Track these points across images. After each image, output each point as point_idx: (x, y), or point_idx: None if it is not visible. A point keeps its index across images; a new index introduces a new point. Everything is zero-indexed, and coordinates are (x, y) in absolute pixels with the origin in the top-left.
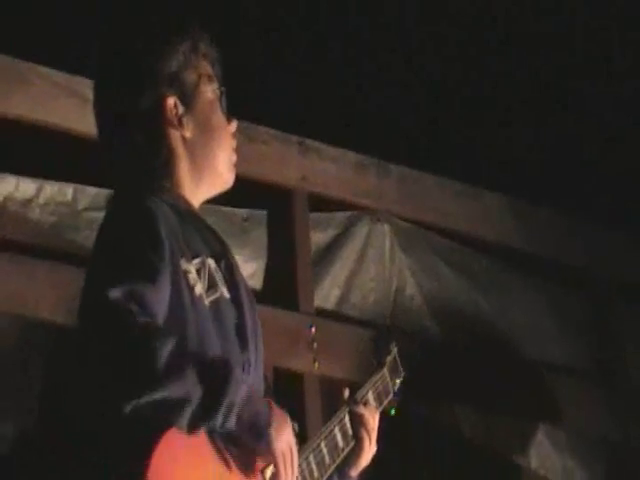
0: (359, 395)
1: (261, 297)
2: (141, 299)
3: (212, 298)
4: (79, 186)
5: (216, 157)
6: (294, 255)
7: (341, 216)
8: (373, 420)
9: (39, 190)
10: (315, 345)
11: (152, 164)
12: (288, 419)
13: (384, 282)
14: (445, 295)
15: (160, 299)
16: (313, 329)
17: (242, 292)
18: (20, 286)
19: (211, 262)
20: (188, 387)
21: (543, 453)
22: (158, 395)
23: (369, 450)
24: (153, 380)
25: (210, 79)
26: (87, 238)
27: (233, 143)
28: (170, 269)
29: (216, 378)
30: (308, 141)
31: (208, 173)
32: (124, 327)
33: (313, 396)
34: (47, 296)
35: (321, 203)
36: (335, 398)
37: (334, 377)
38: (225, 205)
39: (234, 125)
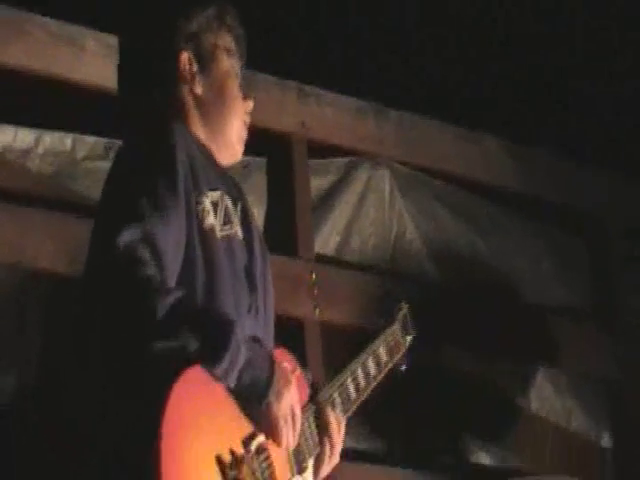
0: (372, 347)
1: None
2: (153, 243)
3: (226, 233)
4: (78, 136)
5: (227, 124)
6: (293, 201)
7: (340, 162)
8: (339, 428)
9: (38, 140)
10: (315, 291)
11: (166, 115)
12: (293, 376)
13: (384, 227)
14: (444, 239)
15: (172, 241)
16: (314, 275)
17: (255, 236)
18: (19, 236)
19: (228, 200)
20: (187, 340)
21: (543, 395)
22: (160, 344)
23: (330, 459)
24: (153, 332)
25: (230, 53)
26: (87, 187)
27: (246, 119)
28: (184, 200)
29: (218, 335)
30: (307, 87)
31: (220, 137)
32: (131, 280)
33: (314, 342)
34: (46, 246)
35: (320, 149)
36: (336, 343)
37: (335, 323)
38: None
39: (250, 104)
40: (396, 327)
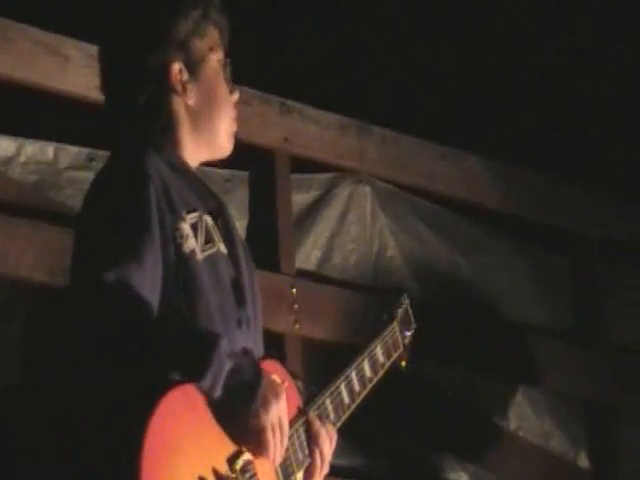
0: (369, 348)
1: None
2: (128, 285)
3: (208, 253)
4: (60, 145)
5: (216, 126)
6: (275, 216)
7: (323, 177)
8: (330, 439)
9: (20, 149)
10: (296, 306)
11: (152, 125)
12: (282, 387)
13: (365, 243)
14: (426, 256)
15: (148, 278)
16: (294, 290)
17: (239, 248)
18: (0, 244)
19: (208, 218)
20: (169, 360)
21: (522, 414)
22: (143, 365)
23: (321, 471)
24: (136, 355)
25: (216, 48)
26: (68, 197)
27: (234, 113)
28: (158, 231)
29: (199, 353)
30: (290, 102)
31: (208, 140)
32: (113, 315)
33: (294, 357)
34: (27, 254)
35: (303, 164)
36: (316, 359)
37: (315, 338)
38: (207, 165)
39: (236, 95)
40: (395, 325)
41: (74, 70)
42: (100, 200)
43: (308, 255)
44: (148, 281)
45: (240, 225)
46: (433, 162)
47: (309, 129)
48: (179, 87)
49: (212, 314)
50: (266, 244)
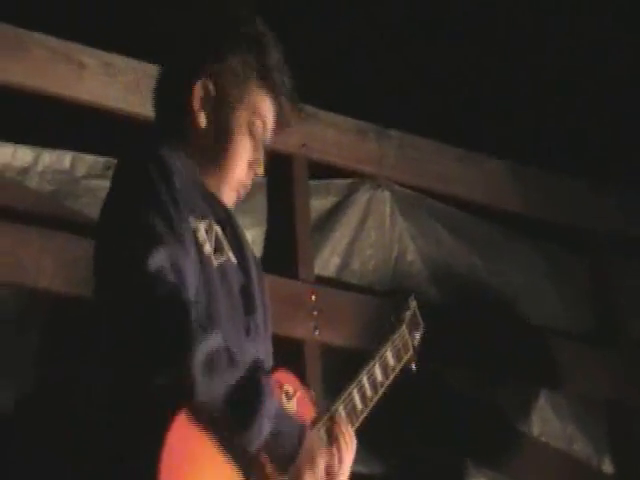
0: (379, 352)
1: (262, 265)
2: (179, 269)
3: (219, 261)
4: (77, 154)
5: (223, 177)
6: (293, 222)
7: (341, 183)
8: (348, 443)
9: (37, 158)
10: (315, 312)
11: (171, 125)
12: (321, 452)
13: (384, 249)
14: (445, 260)
15: (191, 267)
16: (313, 297)
17: (249, 258)
18: (19, 255)
19: (217, 227)
20: (216, 398)
21: (545, 419)
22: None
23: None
24: (186, 373)
25: (259, 115)
26: (86, 205)
27: (246, 179)
28: (185, 226)
29: (246, 410)
30: (308, 107)
31: (215, 177)
32: (169, 307)
33: (314, 363)
34: (46, 264)
35: (321, 170)
36: (335, 365)
37: (335, 344)
38: None
39: (259, 171)
40: (404, 328)
41: (90, 77)
42: (126, 190)
43: (327, 261)
44: (191, 271)
45: (257, 232)
46: (452, 165)
47: (327, 134)
48: (197, 104)
49: (226, 322)
50: (284, 250)
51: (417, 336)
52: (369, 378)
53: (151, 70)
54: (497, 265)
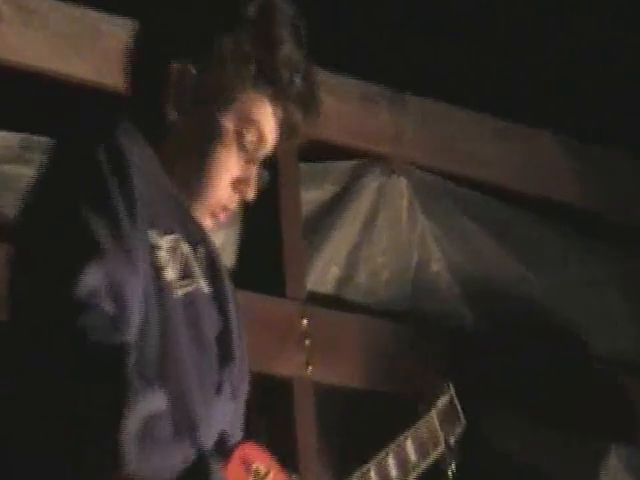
0: (394, 444)
1: (234, 279)
2: (117, 289)
3: (186, 290)
4: None
5: (197, 194)
6: (278, 221)
7: (342, 167)
8: None
9: None
10: (308, 342)
11: (140, 112)
12: None
13: (400, 255)
14: (482, 271)
15: (138, 284)
16: (305, 321)
17: (227, 292)
18: None
19: (186, 247)
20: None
21: None
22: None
23: None
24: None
25: (253, 123)
26: None
27: (228, 205)
28: (140, 238)
29: None
30: None
31: (188, 192)
32: (98, 349)
33: (305, 409)
34: None
35: (315, 149)
36: (335, 412)
37: (333, 384)
38: None
39: (248, 195)
40: (433, 416)
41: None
42: (62, 181)
43: (323, 272)
44: (137, 299)
45: (228, 234)
46: (491, 143)
47: (323, 102)
48: (170, 87)
49: (187, 371)
50: (267, 259)
51: (453, 432)
52: (379, 472)
53: (91, 18)
54: (553, 278)
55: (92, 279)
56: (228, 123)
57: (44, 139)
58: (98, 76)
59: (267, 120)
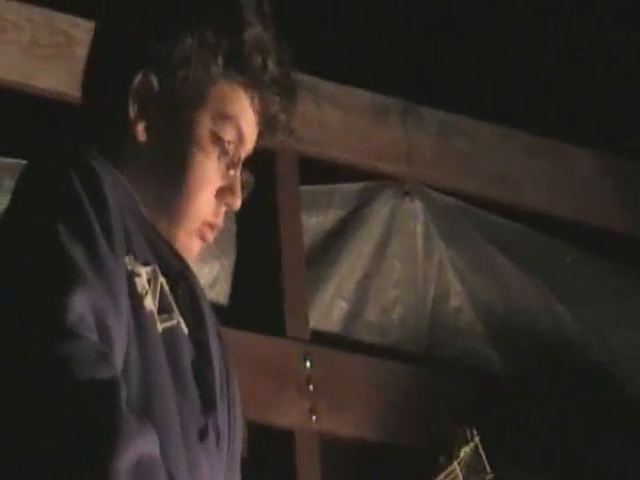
0: None
1: (228, 316)
2: (102, 319)
3: (166, 325)
4: None
5: (176, 216)
6: (278, 251)
7: (349, 189)
8: None
9: None
10: (311, 387)
11: (107, 135)
12: None
13: (416, 288)
14: (509, 306)
15: (119, 315)
16: (308, 363)
17: (209, 331)
18: None
19: (163, 280)
20: None
21: None
22: None
23: None
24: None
25: (229, 117)
26: None
27: (213, 222)
28: (118, 265)
29: None
30: (298, 76)
31: (164, 216)
32: (91, 379)
33: (309, 464)
34: None
35: (318, 170)
36: (341, 465)
37: (339, 435)
38: None
39: (234, 204)
40: (456, 469)
41: None
42: (34, 203)
43: (329, 308)
44: (119, 325)
45: (223, 266)
46: (518, 161)
47: (327, 116)
48: (134, 105)
49: (169, 414)
50: (265, 294)
51: None
52: None
53: (60, 22)
54: (588, 313)
55: (79, 306)
56: (203, 125)
57: (11, 161)
58: (69, 87)
59: (244, 113)
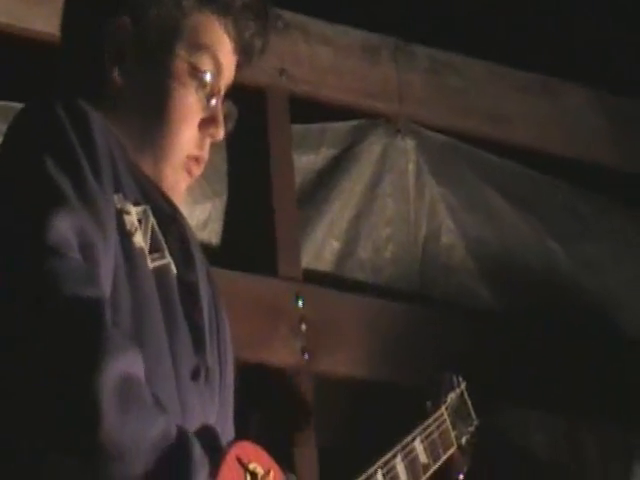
0: (401, 444)
1: (219, 256)
2: (87, 240)
3: (157, 264)
4: None
5: (160, 154)
6: (269, 190)
7: (340, 128)
8: None
9: None
10: (304, 327)
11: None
12: None
13: (407, 226)
14: (501, 243)
15: (107, 244)
16: (300, 303)
17: (198, 271)
18: None
19: (154, 221)
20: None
21: None
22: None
23: None
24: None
25: (205, 48)
26: None
27: (198, 155)
28: (107, 199)
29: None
30: (289, 15)
31: (149, 156)
32: (73, 294)
33: (301, 402)
34: None
35: (309, 109)
36: (333, 403)
37: (333, 373)
38: None
39: (217, 134)
40: (443, 413)
41: None
42: (21, 138)
43: (321, 248)
44: (106, 254)
45: (214, 206)
46: (511, 98)
47: (318, 54)
48: (110, 50)
49: (161, 351)
50: (256, 234)
51: (466, 431)
52: (387, 474)
53: None
54: (585, 252)
55: (62, 227)
56: (179, 58)
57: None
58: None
59: (220, 42)
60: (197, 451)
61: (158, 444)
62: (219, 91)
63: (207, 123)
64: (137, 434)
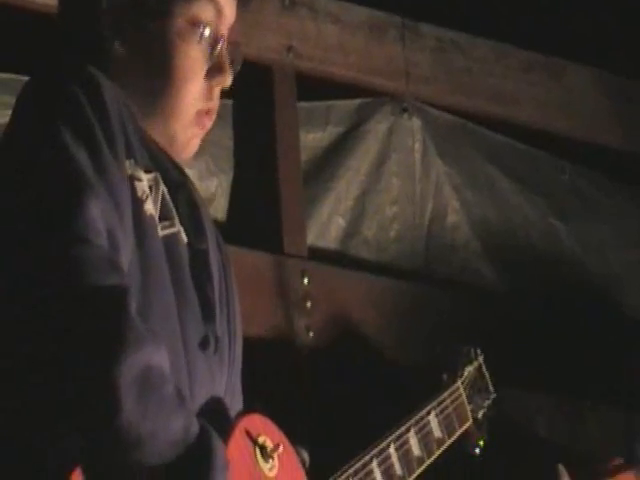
0: (415, 417)
1: (226, 233)
2: (111, 229)
3: (167, 232)
4: None
5: (169, 113)
6: (275, 167)
7: (346, 106)
8: None
9: None
10: (309, 304)
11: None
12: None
13: (413, 205)
14: (505, 223)
15: (123, 224)
16: (305, 280)
17: (209, 239)
18: None
19: (164, 189)
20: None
21: None
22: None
23: None
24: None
25: (200, 8)
26: None
27: (208, 107)
28: (120, 170)
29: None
30: None
31: (158, 118)
32: (103, 286)
33: (309, 379)
34: None
35: (316, 86)
36: (340, 382)
37: (337, 351)
38: None
39: (225, 81)
40: (459, 387)
41: None
42: (37, 115)
43: (326, 226)
44: (124, 234)
45: (220, 181)
46: (516, 78)
47: (325, 32)
48: (108, 22)
49: (170, 319)
50: (262, 211)
51: (482, 405)
52: (399, 448)
53: None
54: (589, 231)
55: (91, 214)
56: (177, 15)
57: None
58: None
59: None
60: (219, 453)
61: (178, 440)
62: (222, 35)
63: (213, 72)
64: (156, 426)
